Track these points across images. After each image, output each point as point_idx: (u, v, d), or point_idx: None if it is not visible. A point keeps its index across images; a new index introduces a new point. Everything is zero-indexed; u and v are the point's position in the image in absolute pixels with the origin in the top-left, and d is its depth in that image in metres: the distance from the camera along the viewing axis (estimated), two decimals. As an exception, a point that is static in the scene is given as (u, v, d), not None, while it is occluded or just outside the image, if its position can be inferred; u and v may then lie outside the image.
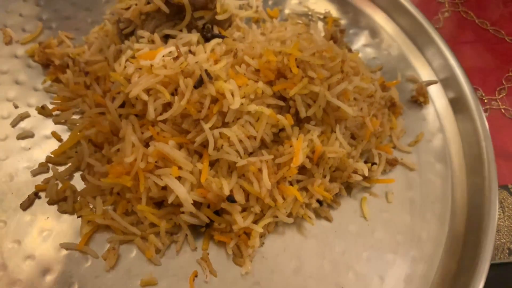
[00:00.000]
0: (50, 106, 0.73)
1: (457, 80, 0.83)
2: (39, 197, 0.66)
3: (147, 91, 0.64)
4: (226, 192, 0.61)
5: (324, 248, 0.66)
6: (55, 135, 0.71)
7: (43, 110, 0.73)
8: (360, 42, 0.90)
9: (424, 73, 0.87)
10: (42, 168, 0.68)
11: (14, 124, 0.72)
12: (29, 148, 0.70)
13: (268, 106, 0.65)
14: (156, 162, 0.62)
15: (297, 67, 0.64)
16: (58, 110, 0.73)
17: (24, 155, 0.69)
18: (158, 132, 0.64)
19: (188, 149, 0.64)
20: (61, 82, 0.75)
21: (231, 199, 0.61)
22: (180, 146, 0.64)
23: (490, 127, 0.87)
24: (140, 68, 0.65)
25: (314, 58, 0.64)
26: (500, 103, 0.91)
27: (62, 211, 0.65)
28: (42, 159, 0.69)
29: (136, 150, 0.62)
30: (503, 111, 0.90)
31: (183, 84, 0.62)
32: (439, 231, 0.69)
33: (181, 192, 0.60)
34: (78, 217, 0.64)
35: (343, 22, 0.92)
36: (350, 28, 0.91)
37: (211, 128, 0.62)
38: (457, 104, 0.82)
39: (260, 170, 0.62)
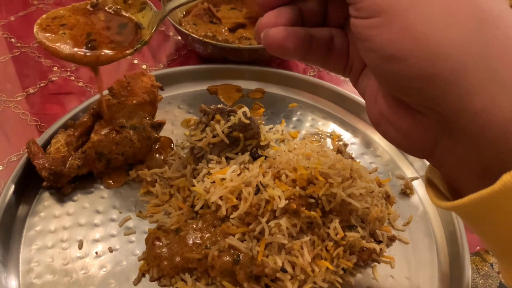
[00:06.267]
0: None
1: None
2: (144, 276, 0.93)
3: (220, 197, 0.95)
4: (279, 265, 0.88)
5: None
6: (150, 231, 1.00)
7: (140, 213, 1.03)
8: (359, 151, 1.23)
9: (408, 172, 1.19)
10: (144, 255, 0.96)
11: (121, 224, 1.01)
12: (133, 241, 0.99)
13: (303, 204, 0.95)
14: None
15: (321, 176, 0.95)
16: (152, 213, 1.03)
17: (130, 246, 0.98)
18: (228, 226, 0.93)
19: (249, 236, 0.93)
20: (151, 193, 1.06)
21: (283, 270, 0.89)
22: (243, 234, 0.93)
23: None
24: (213, 182, 0.96)
25: (331, 170, 0.96)
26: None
27: (162, 285, 0.92)
28: (144, 248, 0.97)
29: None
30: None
31: (246, 192, 0.93)
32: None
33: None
34: (174, 288, 0.92)
35: (344, 137, 1.26)
36: (350, 141, 1.25)
37: (266, 221, 0.91)
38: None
39: (301, 247, 0.91)
